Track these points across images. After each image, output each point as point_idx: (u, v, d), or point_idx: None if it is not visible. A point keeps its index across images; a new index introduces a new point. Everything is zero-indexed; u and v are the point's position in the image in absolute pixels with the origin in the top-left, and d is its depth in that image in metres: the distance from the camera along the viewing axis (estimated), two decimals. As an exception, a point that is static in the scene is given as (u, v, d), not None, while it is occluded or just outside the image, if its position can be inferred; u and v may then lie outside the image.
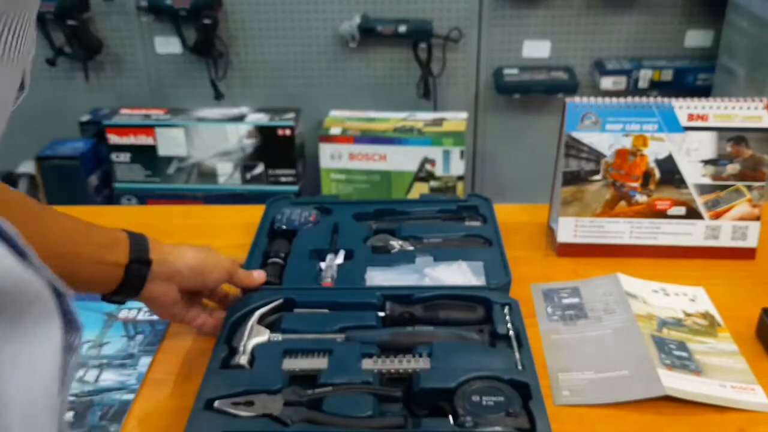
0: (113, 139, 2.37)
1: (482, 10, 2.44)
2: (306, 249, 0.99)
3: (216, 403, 0.73)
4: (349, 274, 0.94)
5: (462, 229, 1.05)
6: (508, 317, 0.83)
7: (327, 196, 1.15)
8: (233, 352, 0.80)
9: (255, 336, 0.82)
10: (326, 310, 0.86)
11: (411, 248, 1.00)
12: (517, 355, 0.79)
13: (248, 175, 2.41)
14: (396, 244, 1.01)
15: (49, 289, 0.34)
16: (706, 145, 1.02)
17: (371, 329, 0.83)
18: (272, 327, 0.84)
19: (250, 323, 0.83)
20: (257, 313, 0.85)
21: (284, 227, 1.05)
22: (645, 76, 2.42)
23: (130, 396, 0.81)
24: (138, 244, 0.78)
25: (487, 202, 1.12)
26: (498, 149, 2.65)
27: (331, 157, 2.33)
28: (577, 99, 1.03)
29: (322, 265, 0.96)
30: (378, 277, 0.94)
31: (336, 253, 0.98)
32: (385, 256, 0.99)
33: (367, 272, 0.94)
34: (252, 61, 2.56)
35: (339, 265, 0.96)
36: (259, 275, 0.90)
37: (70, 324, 0.36)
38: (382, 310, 0.86)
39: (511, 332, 0.82)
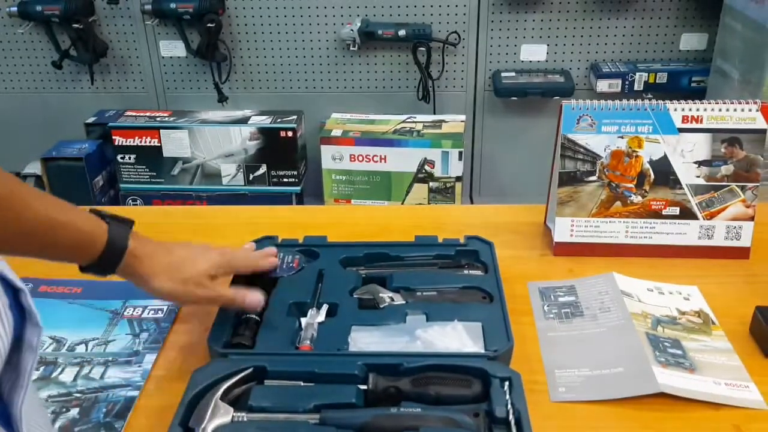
0: (119, 140, 2.38)
1: (480, 15, 2.46)
2: (285, 302, 0.91)
3: None
4: (331, 335, 0.85)
5: (460, 279, 0.96)
6: (508, 396, 0.73)
7: (314, 237, 1.02)
8: None
9: (216, 416, 0.71)
10: (301, 383, 0.76)
11: (402, 302, 0.91)
12: None
13: (251, 176, 2.42)
14: (386, 297, 0.91)
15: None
16: (700, 146, 1.03)
17: (350, 408, 0.73)
18: (238, 402, 0.75)
19: (212, 401, 0.73)
20: (221, 389, 0.75)
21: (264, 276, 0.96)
22: (640, 78, 2.43)
23: (135, 393, 0.82)
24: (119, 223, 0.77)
25: (488, 246, 1.01)
26: (496, 151, 2.66)
27: (333, 159, 2.35)
28: (573, 101, 1.04)
29: (303, 321, 0.88)
30: (363, 339, 0.84)
31: (318, 308, 0.90)
32: (372, 312, 0.89)
33: (351, 333, 0.85)
34: (255, 65, 2.58)
35: (321, 323, 0.87)
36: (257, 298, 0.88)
37: (28, 320, 0.34)
38: (365, 383, 0.76)
39: (511, 416, 0.71)
